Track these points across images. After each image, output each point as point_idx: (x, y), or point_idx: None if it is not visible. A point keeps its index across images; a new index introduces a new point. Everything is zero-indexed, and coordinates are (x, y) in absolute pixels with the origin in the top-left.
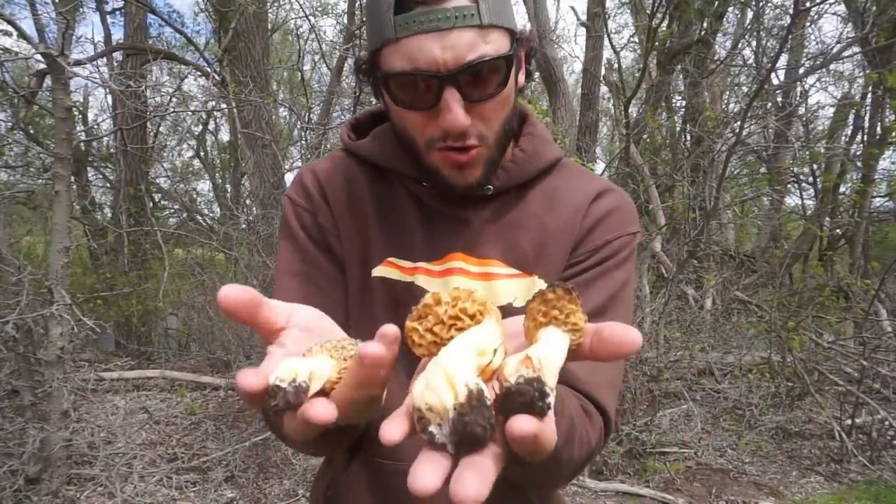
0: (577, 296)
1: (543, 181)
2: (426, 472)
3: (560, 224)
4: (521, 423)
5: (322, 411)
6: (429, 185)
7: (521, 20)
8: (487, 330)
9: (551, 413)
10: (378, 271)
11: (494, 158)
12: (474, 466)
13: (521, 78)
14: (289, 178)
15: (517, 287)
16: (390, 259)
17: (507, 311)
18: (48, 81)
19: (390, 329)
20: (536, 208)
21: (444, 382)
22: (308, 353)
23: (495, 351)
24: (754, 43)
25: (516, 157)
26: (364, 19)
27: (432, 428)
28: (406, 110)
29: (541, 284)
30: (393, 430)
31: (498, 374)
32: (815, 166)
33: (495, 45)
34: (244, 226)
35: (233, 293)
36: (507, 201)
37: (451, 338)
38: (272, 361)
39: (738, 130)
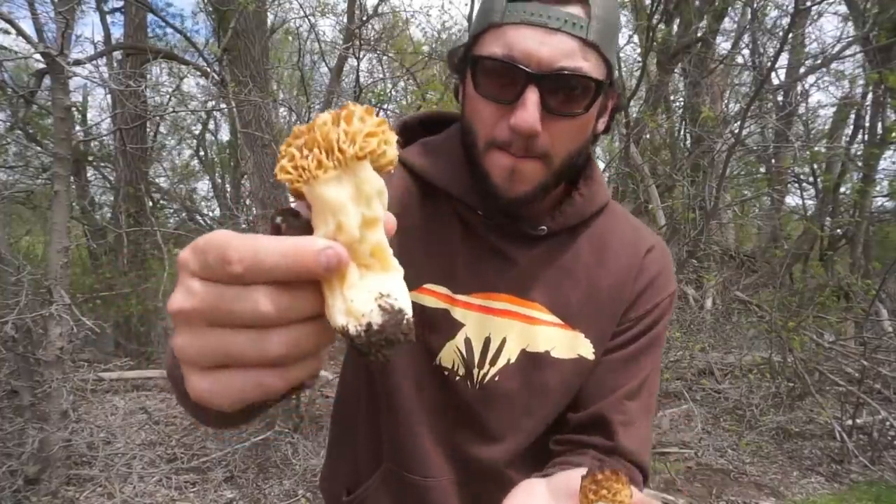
0: (624, 475)
1: (592, 224)
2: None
3: (612, 283)
4: None
5: None
6: (483, 215)
7: None
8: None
9: None
10: (412, 296)
11: (548, 184)
12: None
13: (601, 124)
14: None
15: (559, 337)
16: (427, 286)
17: (543, 358)
18: (47, 81)
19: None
20: (587, 257)
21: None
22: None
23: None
24: (754, 42)
25: (575, 200)
26: (469, 10)
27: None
28: (484, 99)
29: (583, 342)
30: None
31: None
32: (815, 166)
33: (591, 66)
34: (244, 226)
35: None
36: (558, 245)
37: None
38: None
39: (737, 130)
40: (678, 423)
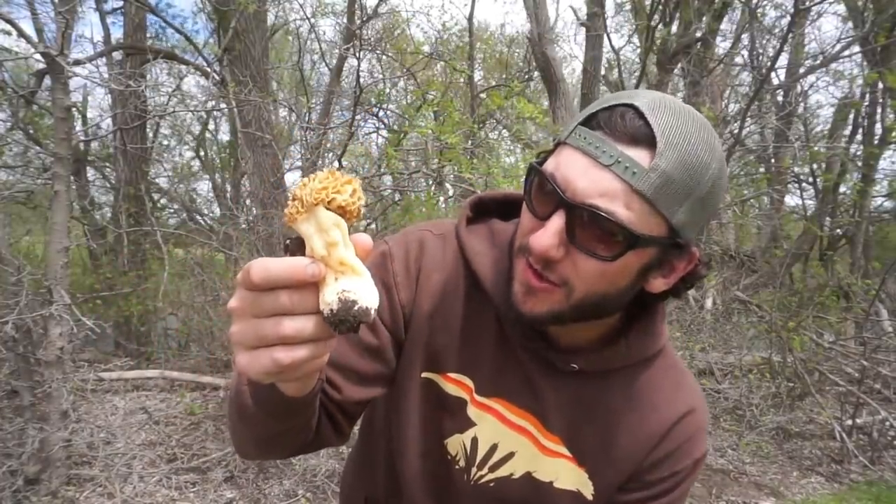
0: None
1: (632, 373)
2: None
3: (633, 439)
4: None
5: None
6: (523, 332)
7: (523, 22)
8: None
9: None
10: (433, 377)
11: (564, 315)
12: None
13: (658, 282)
14: (289, 178)
15: (565, 470)
16: (451, 374)
17: (546, 487)
18: (48, 81)
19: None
20: (615, 404)
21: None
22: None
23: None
24: (754, 42)
25: (620, 348)
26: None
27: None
28: (525, 207)
29: (587, 481)
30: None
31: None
32: (815, 166)
33: (635, 216)
34: (244, 226)
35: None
36: (588, 383)
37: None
38: None
39: (737, 130)
40: None
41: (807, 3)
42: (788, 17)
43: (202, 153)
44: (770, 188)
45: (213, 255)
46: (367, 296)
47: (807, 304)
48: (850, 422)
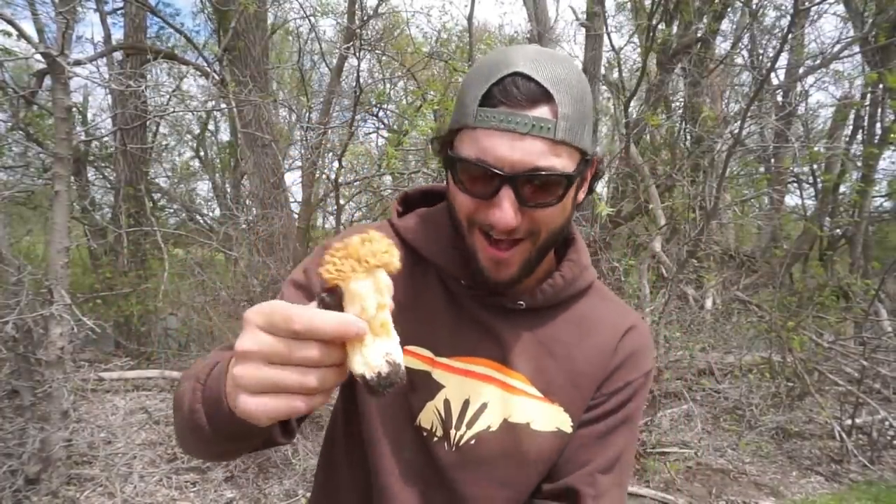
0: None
1: (574, 306)
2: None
3: (589, 361)
4: None
5: None
6: (466, 285)
7: (522, 22)
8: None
9: None
10: None
11: (532, 261)
12: None
13: (581, 194)
14: (289, 177)
15: (539, 411)
16: (409, 347)
17: (523, 430)
18: (48, 81)
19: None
20: (567, 336)
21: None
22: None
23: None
24: (754, 42)
25: (556, 281)
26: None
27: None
28: (462, 193)
29: (562, 415)
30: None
31: None
32: (814, 166)
33: (563, 161)
34: (244, 226)
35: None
36: (538, 320)
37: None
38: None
39: (737, 130)
40: (678, 422)
41: (807, 4)
42: (788, 18)
43: (202, 153)
44: (770, 188)
45: (213, 255)
46: (402, 360)
47: (806, 304)
48: (849, 421)
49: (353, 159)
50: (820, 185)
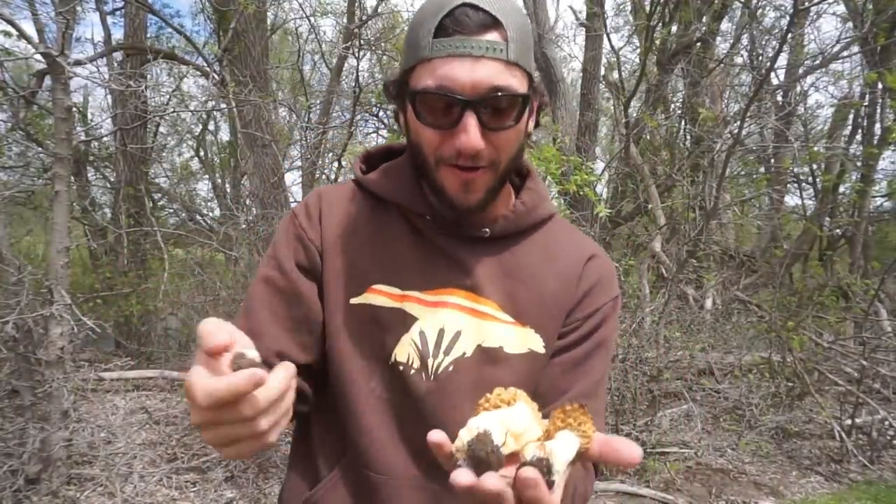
0: (587, 411)
1: (537, 234)
2: (460, 475)
3: (556, 284)
4: (527, 472)
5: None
6: (431, 219)
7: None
8: (516, 409)
9: (556, 490)
10: (361, 299)
11: (496, 187)
12: (489, 477)
13: (531, 125)
14: (289, 177)
15: (511, 334)
16: (376, 286)
17: (497, 353)
18: (48, 81)
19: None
20: (532, 262)
21: (467, 434)
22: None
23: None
24: (752, 43)
25: (517, 208)
26: (404, 45)
27: (459, 461)
28: (426, 127)
29: (534, 337)
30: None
31: (520, 455)
32: (814, 166)
33: (517, 82)
34: (244, 226)
35: (214, 334)
36: (504, 248)
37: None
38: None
39: (737, 131)
40: (678, 422)
41: (806, 4)
42: (788, 18)
43: (202, 153)
44: (770, 188)
45: (213, 255)
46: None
47: (806, 303)
48: (849, 421)
49: (353, 159)
50: (820, 185)
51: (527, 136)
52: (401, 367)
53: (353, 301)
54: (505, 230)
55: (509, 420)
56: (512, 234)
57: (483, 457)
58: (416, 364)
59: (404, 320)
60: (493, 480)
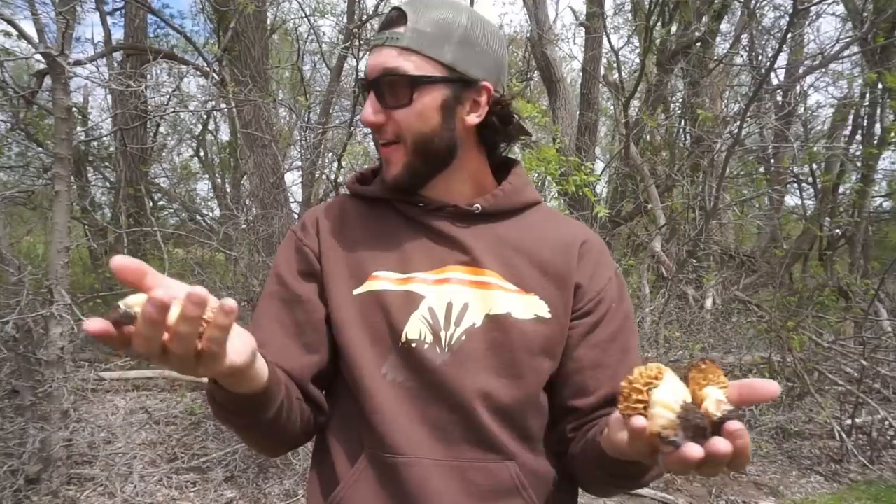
0: (718, 366)
1: (527, 215)
2: (693, 448)
3: (556, 256)
4: (734, 424)
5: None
6: (423, 206)
7: (522, 22)
8: (670, 380)
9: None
10: (364, 287)
11: (414, 163)
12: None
13: (471, 118)
14: (289, 177)
15: (516, 301)
16: (377, 273)
17: (506, 319)
18: (48, 81)
19: (228, 303)
20: (528, 236)
21: (664, 411)
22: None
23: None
24: (752, 43)
25: (504, 187)
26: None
27: (673, 438)
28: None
29: (538, 302)
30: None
31: (704, 412)
32: (814, 166)
33: (412, 65)
34: (244, 226)
35: (122, 262)
36: (498, 223)
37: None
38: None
39: (737, 131)
40: None
41: (805, 4)
42: (787, 18)
43: (202, 153)
44: (770, 188)
45: (213, 255)
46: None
47: (806, 303)
48: (849, 421)
49: (353, 159)
50: (820, 185)
51: (448, 122)
52: (413, 345)
53: (357, 292)
54: (495, 207)
55: (677, 390)
56: (503, 212)
57: (699, 423)
58: (429, 339)
59: (412, 299)
60: (724, 443)
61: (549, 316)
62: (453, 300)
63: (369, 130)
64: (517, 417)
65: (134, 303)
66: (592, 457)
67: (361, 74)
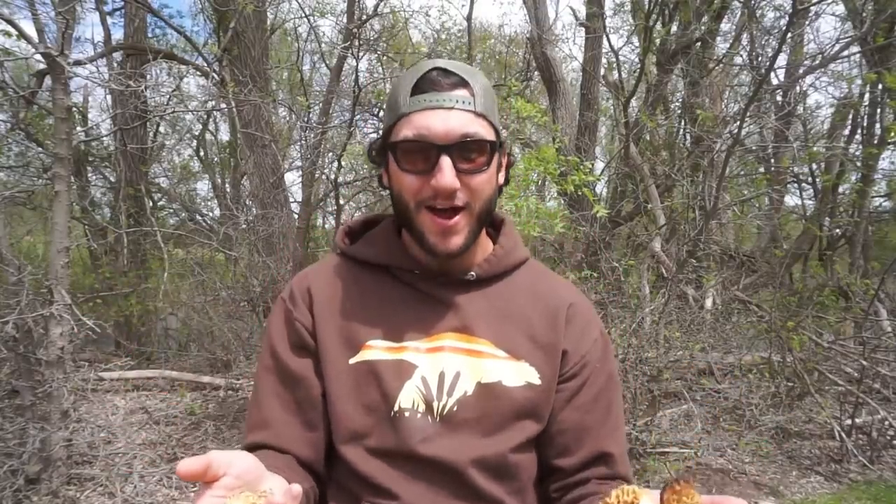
0: (693, 484)
1: (517, 275)
2: None
3: (545, 323)
4: None
5: None
6: (419, 273)
7: (522, 22)
8: None
9: None
10: (358, 357)
11: (475, 230)
12: None
13: (501, 176)
14: (288, 177)
15: (507, 368)
16: (371, 342)
17: (496, 387)
18: (48, 81)
19: (296, 488)
20: (520, 302)
21: None
22: (229, 498)
23: None
24: (752, 43)
25: (497, 252)
26: (384, 110)
27: None
28: (406, 174)
29: (529, 369)
30: None
31: None
32: (814, 166)
33: (485, 130)
34: (244, 226)
35: (188, 467)
36: (490, 289)
37: None
38: (199, 499)
39: (736, 131)
40: (678, 422)
41: (805, 4)
42: (787, 18)
43: (202, 153)
44: (769, 188)
45: (213, 255)
46: None
47: (806, 303)
48: (849, 421)
49: (353, 159)
50: (819, 185)
51: (499, 188)
52: (406, 414)
53: (352, 361)
54: (489, 272)
55: None
56: (495, 276)
57: None
58: (422, 408)
59: (405, 369)
60: None
61: (538, 382)
62: (446, 369)
63: (370, 132)
64: (509, 471)
65: None
66: None
67: (406, 134)
